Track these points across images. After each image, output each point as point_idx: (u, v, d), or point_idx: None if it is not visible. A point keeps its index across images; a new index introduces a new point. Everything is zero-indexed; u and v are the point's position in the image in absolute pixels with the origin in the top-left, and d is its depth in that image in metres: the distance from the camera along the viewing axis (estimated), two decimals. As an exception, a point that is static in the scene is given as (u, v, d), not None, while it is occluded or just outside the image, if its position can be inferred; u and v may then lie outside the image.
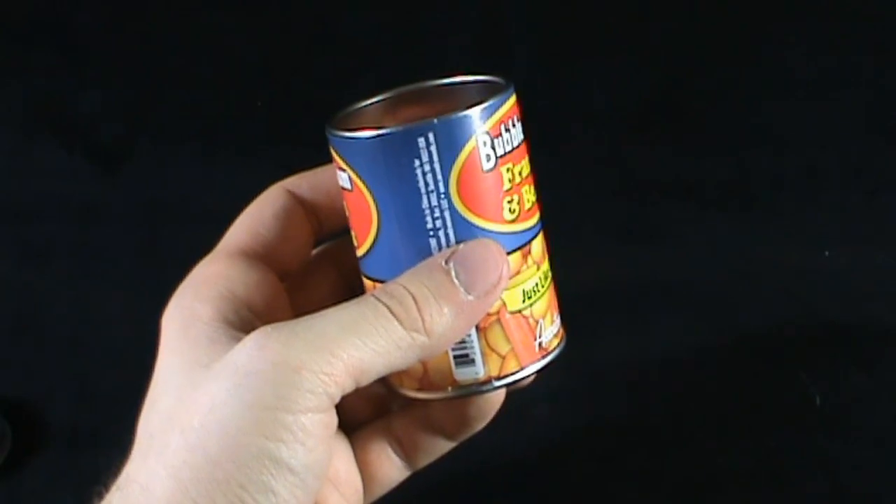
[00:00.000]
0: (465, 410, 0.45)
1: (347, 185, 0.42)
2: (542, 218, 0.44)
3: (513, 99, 0.42)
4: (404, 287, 0.39)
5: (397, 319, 0.38)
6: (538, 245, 0.43)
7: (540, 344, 0.43)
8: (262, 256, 0.44)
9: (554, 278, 0.45)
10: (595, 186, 0.81)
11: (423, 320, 0.38)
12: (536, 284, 0.42)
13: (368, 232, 0.42)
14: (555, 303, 0.45)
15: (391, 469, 0.47)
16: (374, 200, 0.41)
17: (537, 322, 0.43)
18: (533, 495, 0.72)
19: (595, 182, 0.81)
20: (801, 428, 0.74)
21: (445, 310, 0.39)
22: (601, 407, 0.75)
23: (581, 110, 0.83)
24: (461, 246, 0.40)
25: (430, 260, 0.40)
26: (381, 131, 0.40)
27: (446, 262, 0.39)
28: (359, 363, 0.37)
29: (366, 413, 0.48)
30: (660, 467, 0.73)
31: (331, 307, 0.39)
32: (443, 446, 0.48)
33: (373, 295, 0.39)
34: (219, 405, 0.36)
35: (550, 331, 0.44)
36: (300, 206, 0.46)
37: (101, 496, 0.39)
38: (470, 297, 0.39)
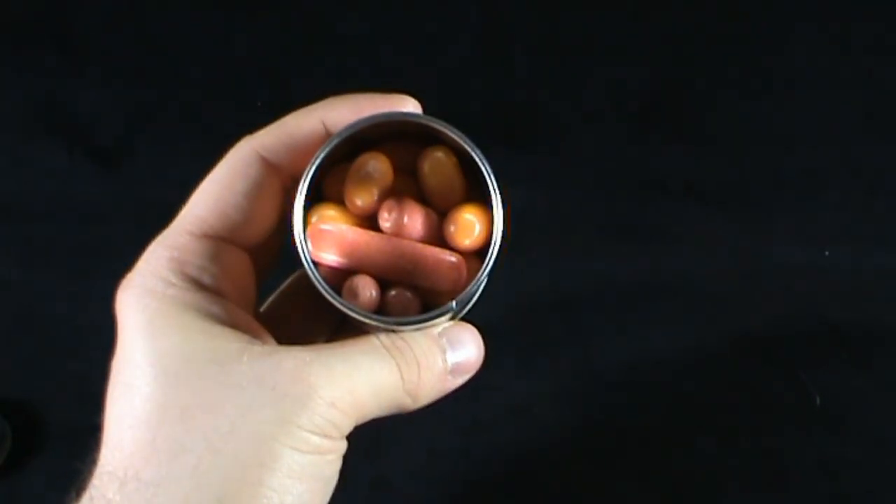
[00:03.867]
0: None
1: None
2: None
3: None
4: (412, 350, 0.40)
5: (405, 384, 0.39)
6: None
7: None
8: (229, 238, 0.42)
9: None
10: (595, 186, 0.81)
11: (419, 390, 0.40)
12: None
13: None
14: None
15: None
16: None
17: None
18: (533, 495, 0.72)
19: (595, 182, 0.81)
20: (801, 428, 0.74)
21: (436, 386, 0.41)
22: (601, 407, 0.75)
23: (581, 110, 0.83)
24: (451, 326, 0.42)
25: (429, 332, 0.41)
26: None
27: (444, 343, 0.41)
28: (366, 411, 0.38)
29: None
30: (660, 467, 0.73)
31: (342, 341, 0.40)
32: None
33: (385, 347, 0.40)
34: (237, 425, 0.36)
35: None
36: (275, 176, 0.42)
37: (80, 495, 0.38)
38: (452, 378, 0.42)
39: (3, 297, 0.81)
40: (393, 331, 0.40)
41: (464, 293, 0.39)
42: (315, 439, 0.36)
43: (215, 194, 0.43)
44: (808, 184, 0.81)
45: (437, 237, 0.40)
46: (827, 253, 0.79)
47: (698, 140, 0.83)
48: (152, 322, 0.40)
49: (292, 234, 0.39)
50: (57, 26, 0.88)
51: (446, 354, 0.41)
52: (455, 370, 0.41)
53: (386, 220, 0.40)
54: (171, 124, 0.86)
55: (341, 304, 0.39)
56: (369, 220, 0.41)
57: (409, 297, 0.40)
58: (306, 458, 0.36)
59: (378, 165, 0.40)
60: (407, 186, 0.41)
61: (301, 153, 0.41)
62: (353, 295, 0.39)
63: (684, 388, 0.75)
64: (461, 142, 0.39)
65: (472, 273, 0.39)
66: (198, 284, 0.40)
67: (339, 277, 0.40)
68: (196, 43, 0.87)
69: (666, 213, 0.81)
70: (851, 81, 0.84)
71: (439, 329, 0.41)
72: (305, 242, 0.39)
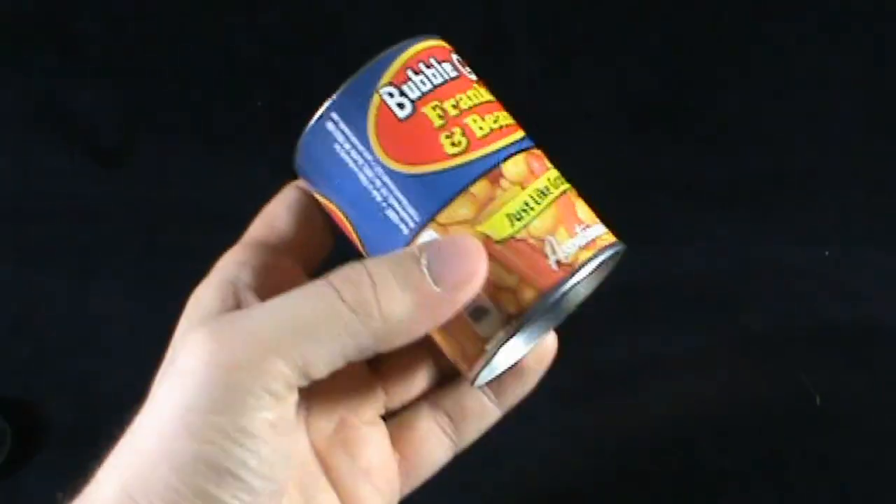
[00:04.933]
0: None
1: (326, 207, 0.41)
2: (523, 137, 0.42)
3: (422, 44, 0.41)
4: (366, 269, 0.36)
5: (346, 304, 0.36)
6: (515, 165, 0.40)
7: (558, 261, 0.39)
8: (278, 246, 0.43)
9: (571, 190, 0.43)
10: (595, 186, 0.81)
11: (378, 304, 0.36)
12: (526, 204, 0.40)
13: (355, 240, 0.40)
14: (572, 214, 0.41)
15: (437, 448, 0.45)
16: (338, 207, 0.40)
17: (543, 240, 0.39)
18: (532, 495, 0.72)
19: (595, 182, 0.81)
20: (801, 428, 0.74)
21: (407, 296, 0.36)
22: (601, 407, 0.75)
23: (581, 110, 0.83)
24: (439, 239, 0.38)
25: (404, 248, 0.38)
26: (299, 142, 0.40)
27: (419, 252, 0.37)
28: (301, 356, 0.35)
29: (405, 395, 0.46)
30: (659, 467, 0.73)
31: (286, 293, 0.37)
32: (491, 413, 0.46)
33: (326, 278, 0.37)
34: (158, 406, 0.35)
35: (572, 244, 0.40)
36: (313, 199, 0.44)
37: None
38: (437, 289, 0.36)
39: (3, 297, 0.81)
40: None
41: None
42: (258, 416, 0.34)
43: (263, 215, 0.45)
44: (808, 184, 0.81)
45: None
46: (827, 253, 0.79)
47: (698, 140, 0.83)
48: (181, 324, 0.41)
49: None
50: (57, 26, 0.88)
51: (423, 261, 0.36)
52: (444, 280, 0.36)
53: None
54: (171, 124, 0.86)
55: None
56: None
57: None
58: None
59: None
60: None
61: None
62: None
63: (684, 388, 0.75)
64: None
65: None
66: (230, 282, 0.41)
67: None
68: (196, 43, 0.87)
69: (666, 213, 0.81)
70: (851, 81, 0.84)
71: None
72: None
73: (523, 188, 0.40)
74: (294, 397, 0.36)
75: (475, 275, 0.37)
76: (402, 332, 0.36)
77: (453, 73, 0.41)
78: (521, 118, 0.43)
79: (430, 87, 0.40)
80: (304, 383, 0.36)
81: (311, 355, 0.35)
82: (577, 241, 0.40)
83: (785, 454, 0.73)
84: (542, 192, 0.41)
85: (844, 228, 0.80)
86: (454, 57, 0.42)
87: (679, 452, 0.74)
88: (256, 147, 0.83)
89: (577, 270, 0.39)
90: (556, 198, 0.42)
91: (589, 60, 0.85)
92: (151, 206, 0.83)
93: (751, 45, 0.85)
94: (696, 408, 0.75)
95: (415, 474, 0.45)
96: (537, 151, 0.42)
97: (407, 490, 0.45)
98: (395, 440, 0.45)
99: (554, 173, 0.42)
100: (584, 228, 0.41)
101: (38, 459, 0.73)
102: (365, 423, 0.44)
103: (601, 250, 0.41)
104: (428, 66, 0.40)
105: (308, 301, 0.36)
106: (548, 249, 0.39)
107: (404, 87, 0.40)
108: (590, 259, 0.40)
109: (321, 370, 0.36)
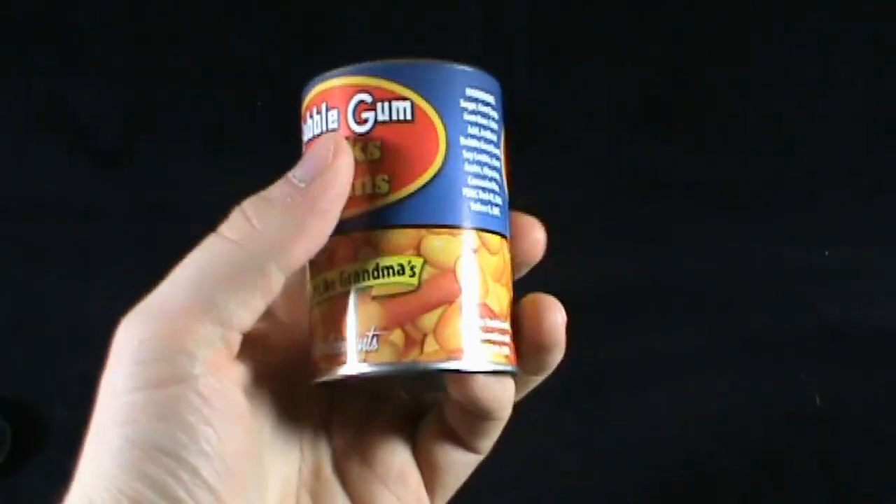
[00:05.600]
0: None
1: (402, 116, 0.37)
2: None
3: (323, 85, 0.40)
4: (239, 205, 0.37)
5: (228, 239, 0.36)
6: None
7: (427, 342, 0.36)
8: None
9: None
10: (595, 186, 0.81)
11: (251, 223, 0.36)
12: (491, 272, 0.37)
13: (427, 167, 0.37)
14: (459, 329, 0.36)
15: (456, 454, 0.42)
16: (445, 130, 0.37)
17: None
18: (532, 495, 0.72)
19: (595, 182, 0.81)
20: (801, 428, 0.74)
21: (275, 203, 0.36)
22: (600, 406, 0.75)
23: (581, 110, 0.83)
24: None
25: None
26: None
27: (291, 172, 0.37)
28: (214, 308, 0.35)
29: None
30: (659, 467, 0.73)
31: None
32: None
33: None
34: (98, 399, 0.36)
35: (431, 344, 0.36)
36: None
37: None
38: (301, 185, 0.37)
39: (3, 297, 0.81)
40: None
41: None
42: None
43: None
44: (808, 184, 0.81)
45: None
46: (827, 253, 0.79)
47: (698, 140, 0.83)
48: None
49: None
50: (57, 26, 0.88)
51: (289, 174, 0.37)
52: (305, 176, 0.37)
53: None
54: (171, 124, 0.86)
55: None
56: None
57: None
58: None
59: None
60: None
61: None
62: None
63: (684, 388, 0.75)
64: None
65: None
66: None
67: None
68: (196, 43, 0.87)
69: (666, 213, 0.81)
70: (851, 81, 0.84)
71: None
72: None
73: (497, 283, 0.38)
74: (227, 358, 0.36)
75: (332, 163, 0.37)
76: (288, 240, 0.36)
77: (333, 125, 0.39)
78: (521, 118, 0.43)
79: (309, 136, 0.40)
80: (235, 336, 0.36)
81: (222, 303, 0.35)
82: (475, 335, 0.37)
83: (785, 454, 0.73)
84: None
85: (844, 228, 0.80)
86: (354, 100, 0.39)
87: (679, 452, 0.74)
88: (256, 147, 0.83)
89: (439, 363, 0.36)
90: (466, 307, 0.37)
91: (589, 60, 0.85)
92: (151, 206, 0.83)
93: (751, 44, 0.85)
94: (696, 408, 0.75)
95: (442, 483, 0.43)
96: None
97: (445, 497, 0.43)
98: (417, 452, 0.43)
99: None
100: (489, 325, 0.38)
101: (38, 459, 0.73)
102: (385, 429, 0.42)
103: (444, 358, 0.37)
104: (318, 112, 0.39)
105: (201, 255, 0.36)
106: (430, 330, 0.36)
107: (304, 127, 0.40)
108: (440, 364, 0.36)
109: (242, 316, 0.36)
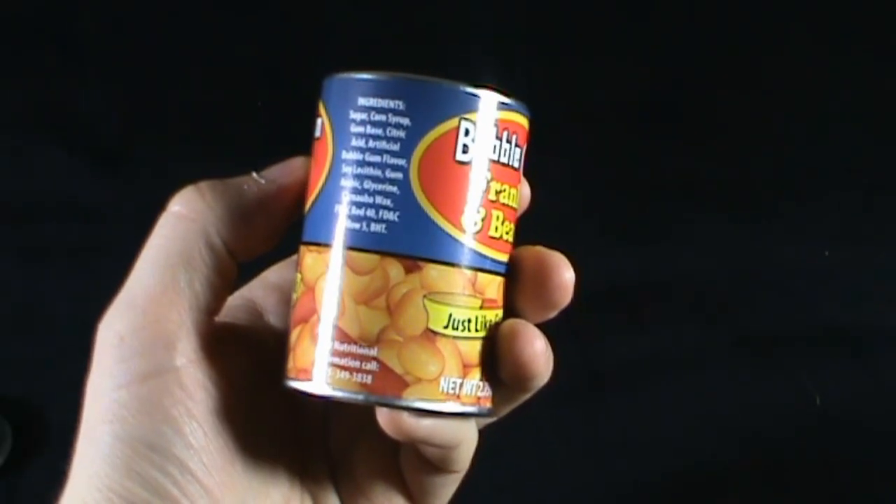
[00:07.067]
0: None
1: (317, 134, 0.38)
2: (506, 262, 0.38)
3: (523, 118, 0.39)
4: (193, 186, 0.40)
5: (178, 214, 0.38)
6: (489, 284, 0.37)
7: (449, 391, 0.36)
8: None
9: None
10: (595, 186, 0.81)
11: (204, 199, 0.38)
12: (470, 321, 0.37)
13: (315, 184, 0.38)
14: (481, 358, 0.37)
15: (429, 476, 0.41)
16: (333, 145, 0.37)
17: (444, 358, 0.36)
18: (532, 495, 0.72)
19: (595, 182, 0.81)
20: (801, 428, 0.74)
21: (229, 185, 0.39)
22: (601, 407, 0.75)
23: (581, 110, 0.83)
24: None
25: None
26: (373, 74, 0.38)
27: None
28: (173, 289, 0.36)
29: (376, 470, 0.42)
30: (660, 467, 0.73)
31: None
32: (440, 482, 0.41)
33: None
34: (87, 393, 0.38)
35: (469, 383, 0.37)
36: None
37: None
38: (261, 181, 0.39)
39: (3, 297, 0.81)
40: None
41: None
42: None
43: None
44: (808, 184, 0.82)
45: None
46: (827, 253, 0.79)
47: (698, 140, 0.83)
48: None
49: None
50: (57, 26, 0.88)
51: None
52: (268, 176, 0.39)
53: None
54: (171, 124, 0.86)
55: None
56: None
57: None
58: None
59: None
60: None
61: None
62: None
63: (684, 388, 0.75)
64: None
65: None
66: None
67: None
68: (196, 43, 0.87)
69: (666, 213, 0.81)
70: (851, 81, 0.84)
71: None
72: None
73: (481, 307, 0.37)
74: (207, 347, 0.36)
75: (293, 168, 0.39)
76: (239, 218, 0.38)
77: (517, 164, 0.39)
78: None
79: (503, 160, 0.38)
80: (207, 319, 0.36)
81: (186, 285, 0.36)
82: (470, 383, 0.37)
83: (785, 454, 0.73)
84: (485, 324, 0.38)
85: (844, 228, 0.80)
86: (524, 143, 0.39)
87: (679, 452, 0.74)
88: (256, 147, 0.83)
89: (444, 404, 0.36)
90: (488, 346, 0.38)
91: (589, 60, 0.85)
92: (151, 206, 0.83)
93: (751, 44, 0.85)
94: (696, 408, 0.75)
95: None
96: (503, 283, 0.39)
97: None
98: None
99: (494, 315, 0.38)
100: (482, 381, 0.38)
101: (38, 459, 0.73)
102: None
103: (480, 405, 0.38)
104: (508, 141, 0.38)
105: (159, 233, 0.39)
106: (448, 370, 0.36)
107: (489, 139, 0.38)
108: (473, 405, 0.37)
109: (207, 296, 0.37)
